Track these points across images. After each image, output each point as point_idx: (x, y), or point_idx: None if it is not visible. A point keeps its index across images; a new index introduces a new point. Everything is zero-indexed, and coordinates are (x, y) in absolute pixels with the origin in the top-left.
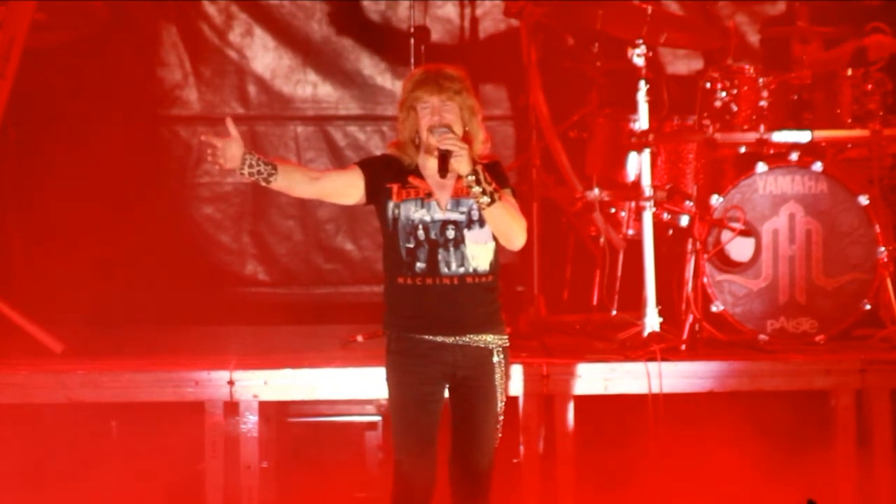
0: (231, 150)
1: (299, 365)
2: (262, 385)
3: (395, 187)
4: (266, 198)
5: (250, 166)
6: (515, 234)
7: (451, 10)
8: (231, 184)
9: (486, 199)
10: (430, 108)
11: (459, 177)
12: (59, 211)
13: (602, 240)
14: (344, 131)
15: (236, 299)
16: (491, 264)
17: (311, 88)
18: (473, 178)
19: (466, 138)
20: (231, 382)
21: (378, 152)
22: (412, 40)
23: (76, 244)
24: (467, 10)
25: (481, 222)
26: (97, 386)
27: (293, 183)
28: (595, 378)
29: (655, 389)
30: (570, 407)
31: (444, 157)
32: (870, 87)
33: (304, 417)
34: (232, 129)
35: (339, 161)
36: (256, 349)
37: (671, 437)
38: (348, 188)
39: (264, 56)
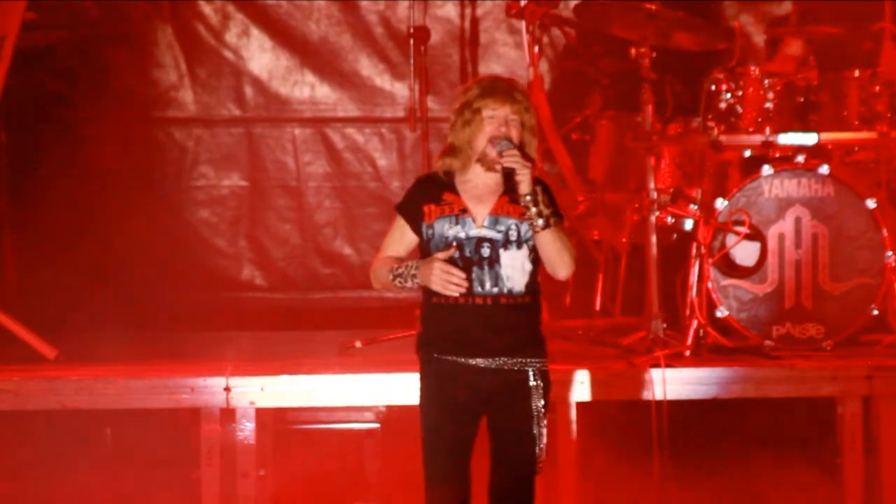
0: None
1: (297, 371)
2: (259, 392)
3: (427, 209)
4: (263, 201)
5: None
6: (564, 263)
7: (451, 10)
8: (227, 187)
9: (540, 222)
10: (496, 118)
11: (503, 194)
12: (51, 214)
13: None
14: (342, 133)
15: (233, 304)
16: (527, 285)
17: (308, 90)
18: (531, 198)
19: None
20: (227, 389)
21: (377, 155)
22: (412, 41)
23: (69, 248)
24: (468, 10)
25: (519, 243)
26: (91, 392)
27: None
28: (597, 384)
29: (659, 396)
30: (573, 413)
31: (510, 176)
32: (877, 88)
33: (302, 424)
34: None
35: (337, 163)
36: (253, 355)
37: (675, 444)
38: (411, 240)
39: (261, 57)
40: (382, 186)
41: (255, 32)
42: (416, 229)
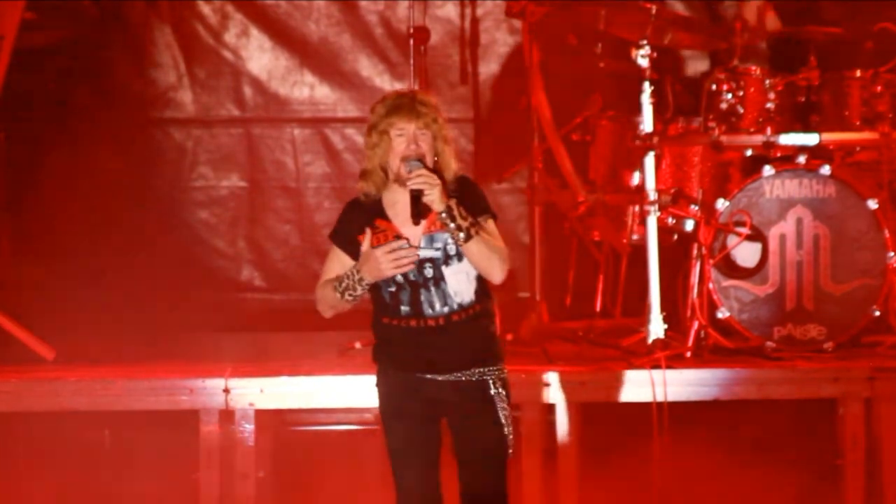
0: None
1: (296, 372)
2: (259, 393)
3: (362, 238)
4: (262, 202)
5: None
6: (494, 268)
7: (451, 10)
8: (226, 188)
9: (462, 236)
10: (405, 135)
11: (431, 211)
12: (50, 215)
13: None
14: (342, 133)
15: (232, 305)
16: (476, 292)
17: (308, 90)
18: (447, 214)
19: (437, 169)
20: (227, 390)
21: None
22: (411, 41)
23: (68, 249)
24: (467, 10)
25: (459, 256)
26: (90, 394)
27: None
28: (598, 386)
29: (660, 397)
30: (573, 415)
31: (417, 199)
32: (879, 88)
33: (302, 426)
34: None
35: (337, 164)
36: (252, 356)
37: (676, 446)
38: (351, 265)
39: (260, 57)
40: None
41: (255, 32)
42: (355, 258)
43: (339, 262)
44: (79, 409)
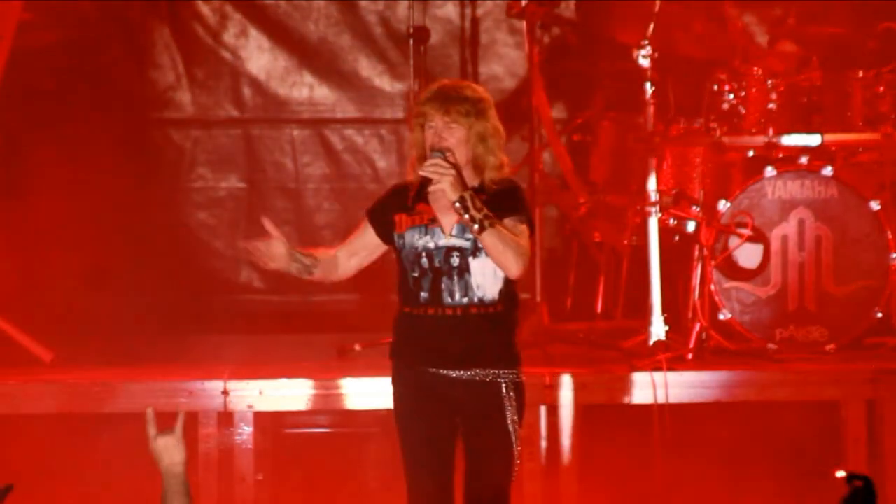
0: (277, 249)
1: (295, 375)
2: (258, 395)
3: (398, 218)
4: (261, 203)
5: (295, 261)
6: (508, 261)
7: (451, 10)
8: (225, 188)
9: (475, 227)
10: (435, 128)
11: (427, 197)
12: (47, 216)
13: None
14: (341, 134)
15: (231, 307)
16: (500, 293)
17: (307, 90)
18: (460, 204)
19: (476, 163)
20: (225, 392)
21: (376, 156)
22: (411, 41)
23: (65, 250)
24: (468, 11)
25: None
26: (87, 396)
27: (331, 268)
28: (599, 388)
29: (661, 399)
30: (574, 417)
31: (423, 186)
32: (881, 89)
33: (301, 428)
34: (272, 228)
35: (335, 164)
36: (251, 358)
37: (677, 448)
38: (375, 245)
39: (259, 57)
40: (382, 188)
41: (254, 33)
42: (386, 238)
43: (362, 236)
44: (76, 411)
